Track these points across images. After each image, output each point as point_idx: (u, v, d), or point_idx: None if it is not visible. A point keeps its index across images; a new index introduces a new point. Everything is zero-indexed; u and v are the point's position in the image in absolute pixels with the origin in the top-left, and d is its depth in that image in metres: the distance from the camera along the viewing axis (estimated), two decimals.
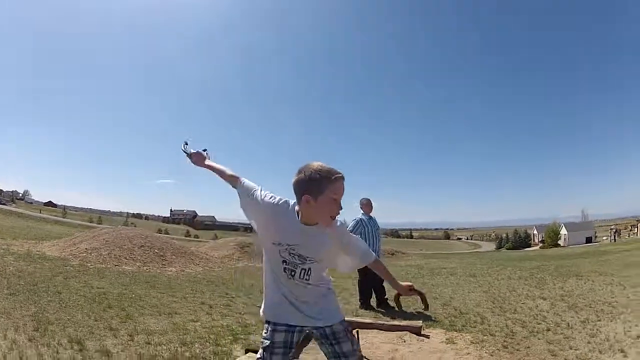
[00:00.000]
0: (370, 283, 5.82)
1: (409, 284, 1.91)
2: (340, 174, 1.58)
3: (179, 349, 3.41)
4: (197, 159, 1.98)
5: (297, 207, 1.64)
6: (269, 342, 1.67)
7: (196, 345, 3.51)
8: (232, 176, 1.82)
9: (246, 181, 1.78)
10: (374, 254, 1.88)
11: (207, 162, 1.96)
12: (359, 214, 5.99)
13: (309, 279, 1.69)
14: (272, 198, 1.68)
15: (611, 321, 4.92)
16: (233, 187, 1.79)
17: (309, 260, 1.66)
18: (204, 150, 2.02)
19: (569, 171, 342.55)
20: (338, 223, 1.69)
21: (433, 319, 5.01)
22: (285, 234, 1.64)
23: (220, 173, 1.86)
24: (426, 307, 1.81)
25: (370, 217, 5.99)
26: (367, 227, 5.84)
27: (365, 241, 5.56)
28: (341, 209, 1.62)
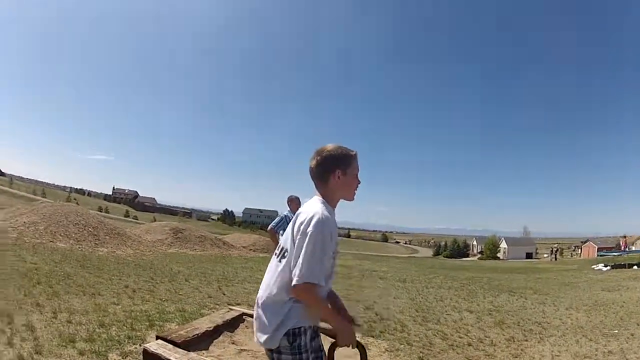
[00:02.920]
0: None
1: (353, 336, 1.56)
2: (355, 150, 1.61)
3: (97, 329, 3.47)
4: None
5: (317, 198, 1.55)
6: None
7: (113, 328, 3.57)
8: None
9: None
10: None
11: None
12: (285, 210, 5.85)
13: None
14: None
15: (539, 342, 4.66)
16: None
17: None
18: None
19: (513, 191, 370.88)
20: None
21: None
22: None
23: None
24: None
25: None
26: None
27: None
28: (360, 182, 1.62)
